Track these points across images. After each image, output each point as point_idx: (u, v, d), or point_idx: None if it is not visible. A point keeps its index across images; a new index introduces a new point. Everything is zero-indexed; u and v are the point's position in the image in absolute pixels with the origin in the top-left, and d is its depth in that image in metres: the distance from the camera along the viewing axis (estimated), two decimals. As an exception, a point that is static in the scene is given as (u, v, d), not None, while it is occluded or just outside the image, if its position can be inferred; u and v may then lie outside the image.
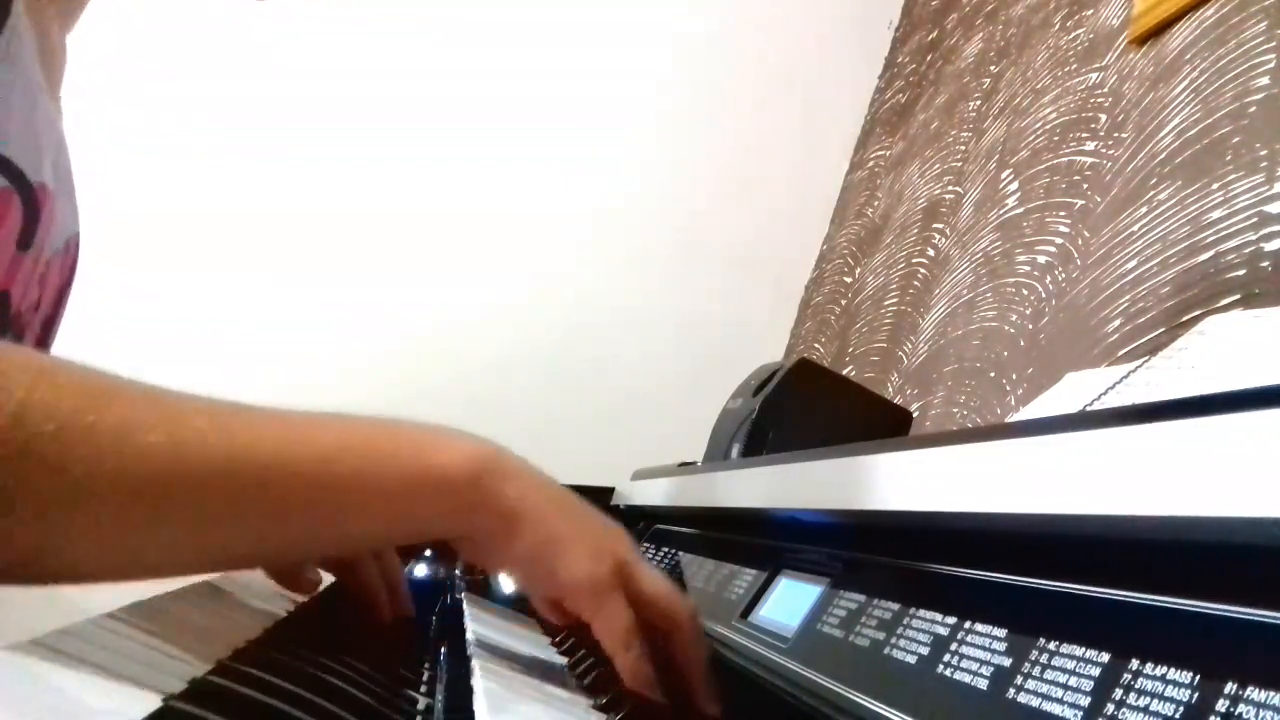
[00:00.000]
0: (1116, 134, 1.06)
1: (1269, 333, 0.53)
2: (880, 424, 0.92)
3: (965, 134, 1.51)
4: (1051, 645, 0.30)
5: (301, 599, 0.60)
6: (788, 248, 2.01)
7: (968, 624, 0.35)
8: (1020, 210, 1.22)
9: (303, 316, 1.81)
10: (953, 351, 1.23)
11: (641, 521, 0.94)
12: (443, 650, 0.56)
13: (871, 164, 1.93)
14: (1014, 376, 1.06)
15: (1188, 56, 0.96)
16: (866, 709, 0.37)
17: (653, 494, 0.90)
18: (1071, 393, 0.67)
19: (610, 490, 1.04)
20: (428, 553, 0.90)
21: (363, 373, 1.80)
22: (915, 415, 1.12)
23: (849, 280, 1.78)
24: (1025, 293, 1.12)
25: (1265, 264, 0.74)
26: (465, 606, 0.66)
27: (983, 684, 0.32)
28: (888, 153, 1.86)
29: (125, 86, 1.64)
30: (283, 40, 1.78)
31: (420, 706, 0.44)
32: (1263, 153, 0.79)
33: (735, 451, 0.89)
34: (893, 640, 0.39)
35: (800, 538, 0.55)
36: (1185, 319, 0.80)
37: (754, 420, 0.87)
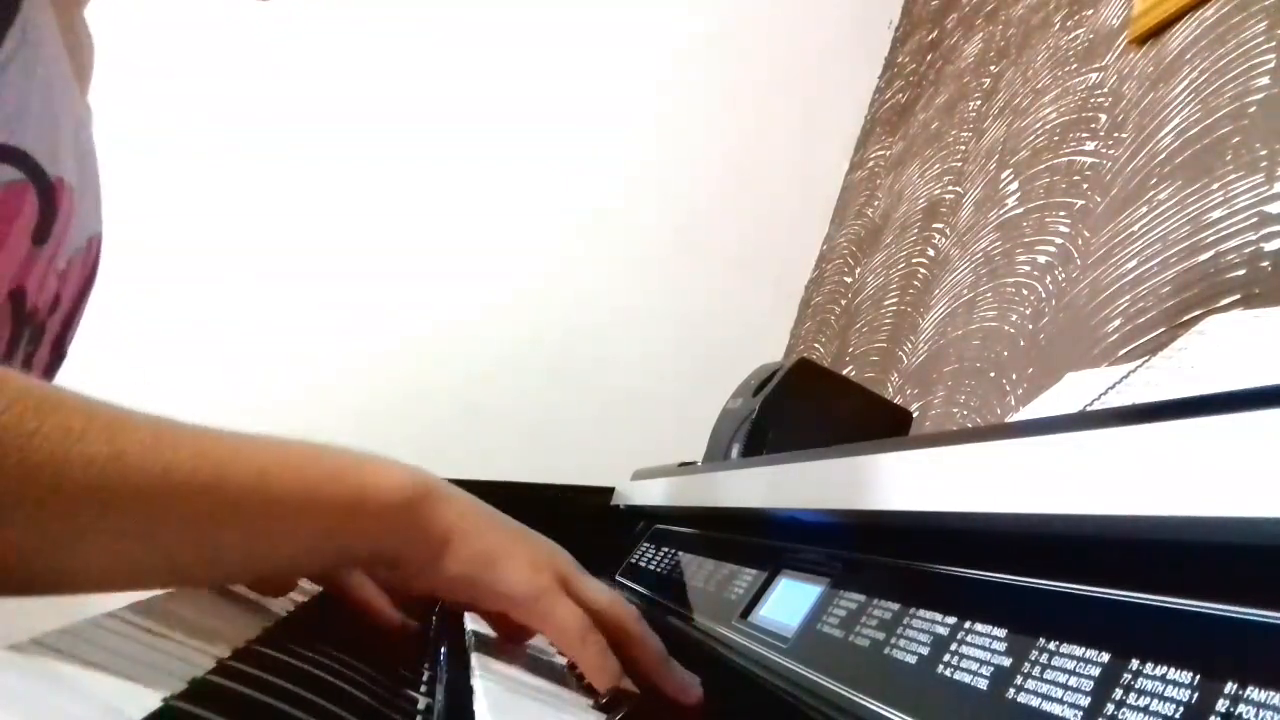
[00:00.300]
0: (1116, 134, 1.06)
1: (1269, 333, 0.53)
2: (880, 424, 0.92)
3: (965, 134, 1.51)
4: (1051, 645, 0.30)
5: (301, 599, 0.60)
6: (788, 248, 2.01)
7: (968, 624, 0.35)
8: (1020, 210, 1.22)
9: (302, 317, 1.81)
10: (953, 351, 1.23)
11: (641, 521, 0.94)
12: (443, 650, 0.56)
13: (871, 164, 1.93)
14: (1014, 376, 1.06)
15: (1188, 56, 0.96)
16: (866, 709, 0.37)
17: (653, 494, 0.90)
18: (1071, 393, 0.67)
19: (610, 490, 1.04)
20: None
21: (362, 373, 1.80)
22: (915, 415, 1.12)
23: (849, 280, 1.78)
24: (1025, 293, 1.12)
25: (1265, 264, 0.74)
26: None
27: (983, 684, 0.32)
28: (888, 153, 1.86)
29: (123, 85, 1.64)
30: (282, 40, 1.78)
31: (420, 706, 0.44)
32: (1263, 153, 0.79)
33: (735, 451, 0.89)
34: (893, 640, 0.39)
35: (800, 538, 0.55)
36: (1185, 319, 0.80)
37: (754, 420, 0.87)
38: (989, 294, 1.20)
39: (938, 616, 0.37)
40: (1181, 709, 0.24)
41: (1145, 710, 0.25)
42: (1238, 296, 0.75)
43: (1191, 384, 0.52)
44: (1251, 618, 0.24)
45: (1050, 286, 1.07)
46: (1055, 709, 0.28)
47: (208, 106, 1.78)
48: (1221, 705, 0.23)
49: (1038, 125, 1.26)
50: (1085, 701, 0.27)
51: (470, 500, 0.49)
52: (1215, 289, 0.78)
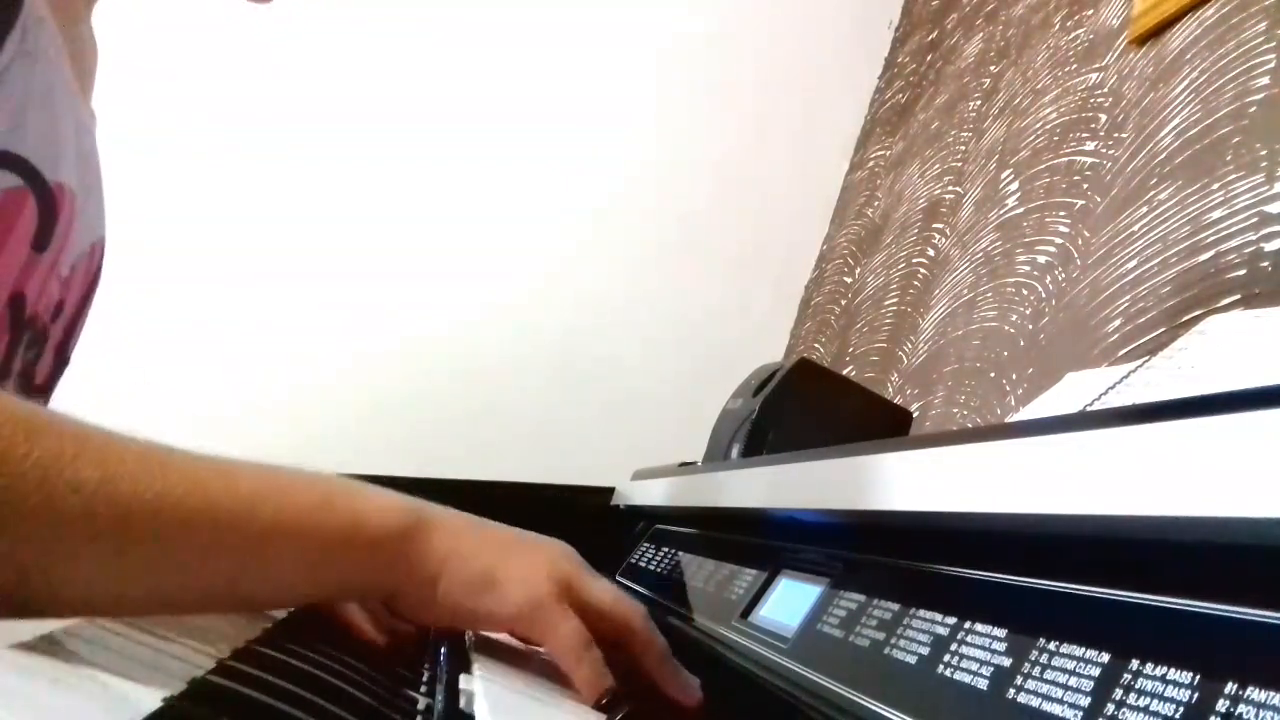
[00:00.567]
0: (1116, 134, 1.06)
1: (1269, 333, 0.53)
2: (880, 424, 0.92)
3: (965, 134, 1.51)
4: (1051, 645, 0.30)
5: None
6: (788, 248, 2.01)
7: (968, 624, 0.35)
8: (1020, 210, 1.22)
9: (302, 317, 1.80)
10: (953, 351, 1.23)
11: (641, 521, 0.94)
12: (443, 650, 0.56)
13: (871, 164, 1.93)
14: (1014, 376, 1.06)
15: (1188, 56, 0.96)
16: (866, 709, 0.37)
17: (653, 494, 0.89)
18: (1071, 393, 0.67)
19: (610, 490, 1.04)
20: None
21: (362, 373, 1.80)
22: (915, 415, 1.12)
23: (849, 280, 1.78)
24: (1025, 293, 1.12)
25: (1265, 264, 0.74)
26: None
27: (983, 684, 0.32)
28: (888, 153, 1.86)
29: (123, 88, 1.64)
30: (282, 41, 1.78)
31: (420, 706, 0.44)
32: (1263, 153, 0.79)
33: (735, 451, 0.89)
34: (893, 640, 0.39)
35: (800, 538, 0.55)
36: (1185, 319, 0.80)
37: (754, 420, 0.87)
38: (989, 294, 1.20)
39: (938, 616, 0.37)
40: (1181, 709, 0.24)
41: (1145, 710, 0.25)
42: (1238, 296, 0.75)
43: (1191, 384, 0.52)
44: (1251, 618, 0.24)
45: (1050, 286, 1.07)
46: (1055, 709, 0.28)
47: (208, 108, 1.78)
48: (1221, 705, 0.23)
49: (1038, 125, 1.26)
50: (1085, 701, 0.27)
51: (463, 521, 0.48)
52: (1215, 289, 0.78)
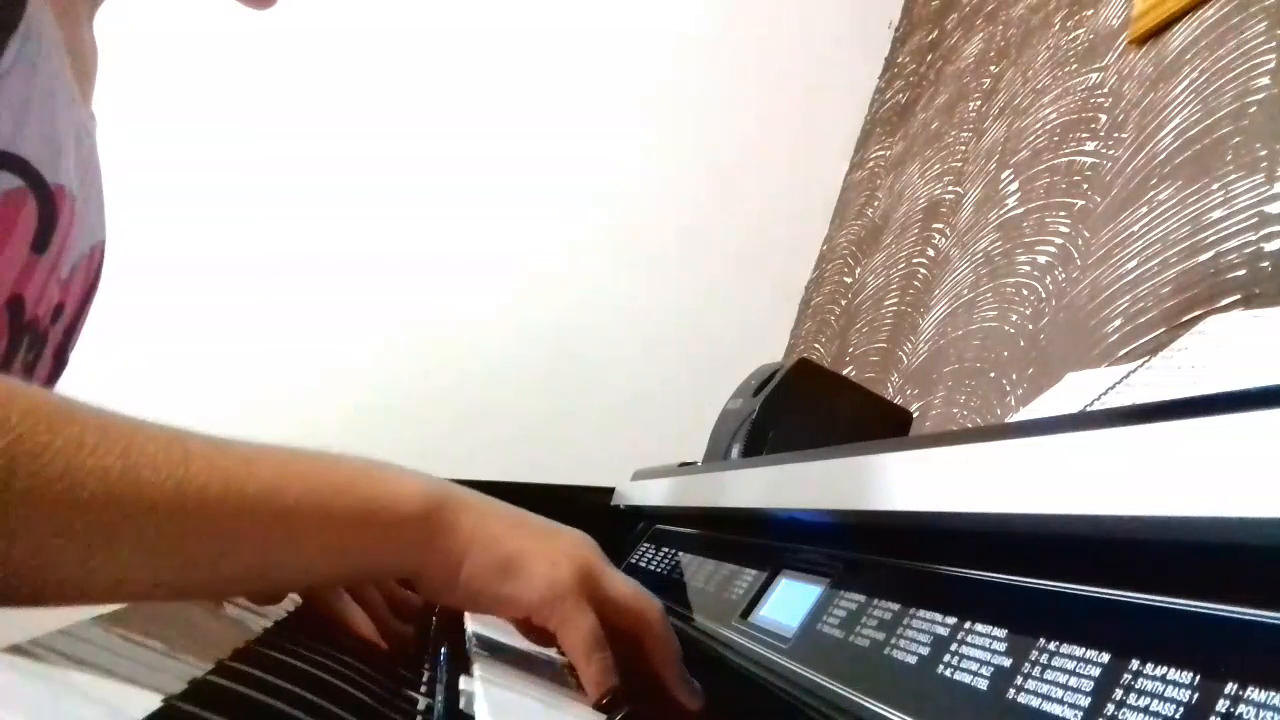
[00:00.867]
0: (1116, 134, 1.06)
1: (1269, 333, 0.53)
2: (880, 424, 0.92)
3: (965, 134, 1.51)
4: (1051, 645, 0.30)
5: (300, 600, 0.60)
6: (788, 248, 2.01)
7: (968, 624, 0.35)
8: (1020, 210, 1.22)
9: (303, 318, 1.81)
10: (953, 351, 1.23)
11: (641, 521, 0.94)
12: (443, 650, 0.56)
13: (871, 164, 1.93)
14: (1014, 376, 1.06)
15: (1188, 57, 0.96)
16: (866, 709, 0.37)
17: (653, 494, 0.89)
18: (1071, 393, 0.67)
19: (610, 490, 1.04)
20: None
21: (362, 373, 1.80)
22: (915, 415, 1.12)
23: (849, 280, 1.78)
24: (1025, 293, 1.12)
25: (1265, 264, 0.74)
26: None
27: (983, 684, 0.32)
28: (888, 153, 1.86)
29: (123, 90, 1.64)
30: (282, 41, 1.78)
31: (420, 706, 0.44)
32: (1263, 153, 0.79)
33: (735, 451, 0.89)
34: (893, 640, 0.39)
35: (800, 538, 0.55)
36: (1185, 319, 0.80)
37: (754, 420, 0.87)
38: (989, 294, 1.20)
39: (938, 616, 0.37)
40: (1181, 709, 0.24)
41: (1145, 710, 0.25)
42: (1238, 296, 0.75)
43: (1191, 384, 0.52)
44: (1251, 618, 0.24)
45: (1050, 286, 1.07)
46: (1055, 709, 0.28)
47: (208, 109, 1.78)
48: (1221, 705, 0.23)
49: (1038, 125, 1.26)
50: (1085, 702, 0.27)
51: (488, 505, 0.48)
52: (1215, 289, 0.78)
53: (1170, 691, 0.25)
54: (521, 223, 1.92)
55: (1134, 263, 0.92)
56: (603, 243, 1.95)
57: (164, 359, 1.71)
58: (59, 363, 0.63)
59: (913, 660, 0.36)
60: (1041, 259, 1.12)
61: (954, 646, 0.35)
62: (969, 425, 1.11)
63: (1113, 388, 0.59)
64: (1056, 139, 1.20)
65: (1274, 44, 0.83)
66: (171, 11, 1.71)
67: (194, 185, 1.77)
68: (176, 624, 0.43)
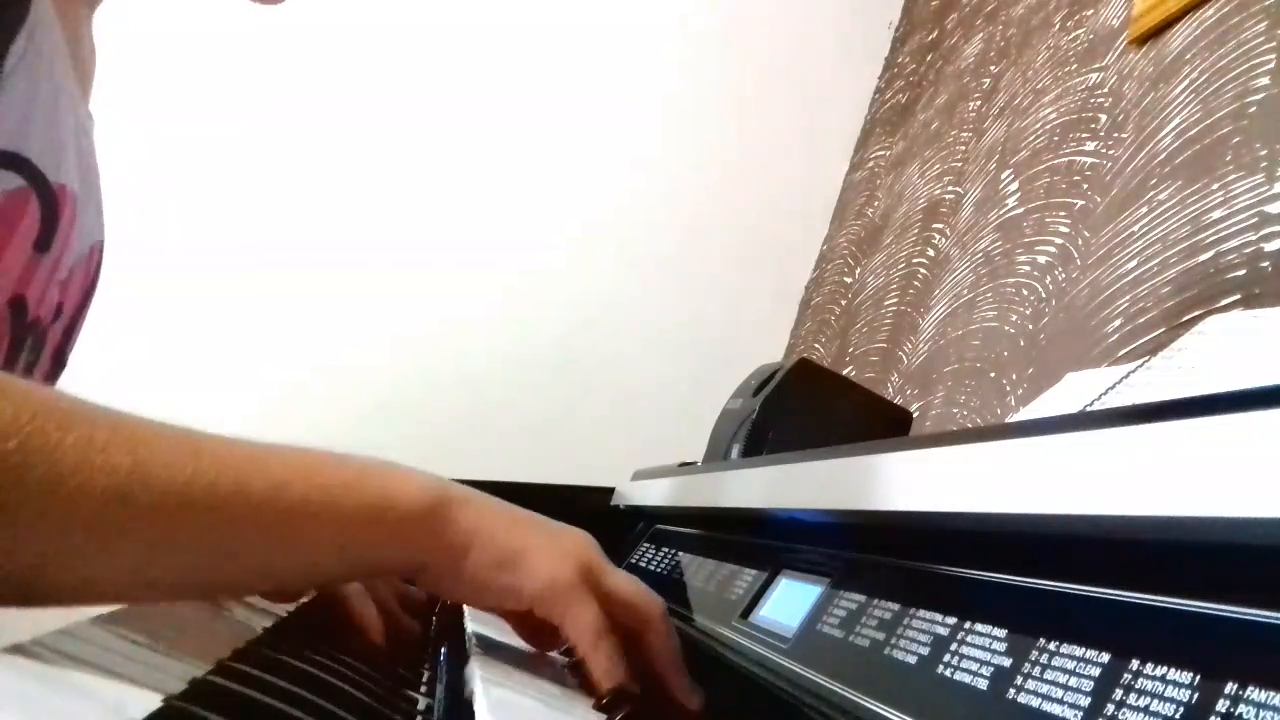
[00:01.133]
0: (1116, 134, 1.06)
1: (1269, 333, 0.53)
2: (880, 424, 0.92)
3: (965, 134, 1.51)
4: (1051, 645, 0.30)
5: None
6: (788, 248, 2.01)
7: (968, 624, 0.35)
8: (1020, 210, 1.22)
9: (303, 318, 1.81)
10: (953, 351, 1.23)
11: (641, 521, 0.94)
12: (443, 650, 0.56)
13: (871, 164, 1.93)
14: (1014, 376, 1.06)
15: (1188, 56, 0.96)
16: (866, 709, 0.37)
17: (653, 494, 0.89)
18: (1071, 393, 0.67)
19: (610, 490, 1.04)
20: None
21: (362, 373, 1.80)
22: (915, 415, 1.12)
23: (849, 280, 1.78)
24: (1025, 293, 1.12)
25: (1265, 264, 0.74)
26: (465, 606, 0.66)
27: (983, 684, 0.32)
28: (888, 153, 1.86)
29: (121, 90, 1.64)
30: (282, 40, 1.78)
31: (420, 706, 0.44)
32: (1263, 153, 0.79)
33: (735, 451, 0.89)
34: (893, 640, 0.39)
35: (800, 538, 0.55)
36: (1185, 319, 0.80)
37: (754, 420, 0.87)
38: (989, 294, 1.20)
39: (938, 616, 0.37)
40: (1181, 709, 0.24)
41: (1145, 710, 0.25)
42: (1238, 296, 0.75)
43: (1191, 384, 0.52)
44: (1251, 618, 0.24)
45: (1050, 286, 1.07)
46: (1055, 709, 0.28)
47: (207, 108, 1.78)
48: (1221, 705, 0.23)
49: (1038, 125, 1.26)
50: (1085, 702, 0.27)
51: (490, 502, 0.49)
52: (1215, 289, 0.78)
53: (1170, 691, 0.25)
54: (522, 223, 1.92)
55: (1134, 263, 0.92)
56: (603, 243, 1.95)
57: (164, 360, 1.71)
58: (58, 364, 0.63)
59: (913, 660, 0.36)
60: (1041, 259, 1.12)
61: (954, 646, 0.35)
62: (969, 425, 1.11)
63: (1113, 388, 0.59)
64: (1056, 139, 1.20)
65: (1274, 44, 0.83)
66: (171, 11, 1.71)
67: (193, 185, 1.77)
68: (176, 624, 0.43)
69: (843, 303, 1.76)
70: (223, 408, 1.69)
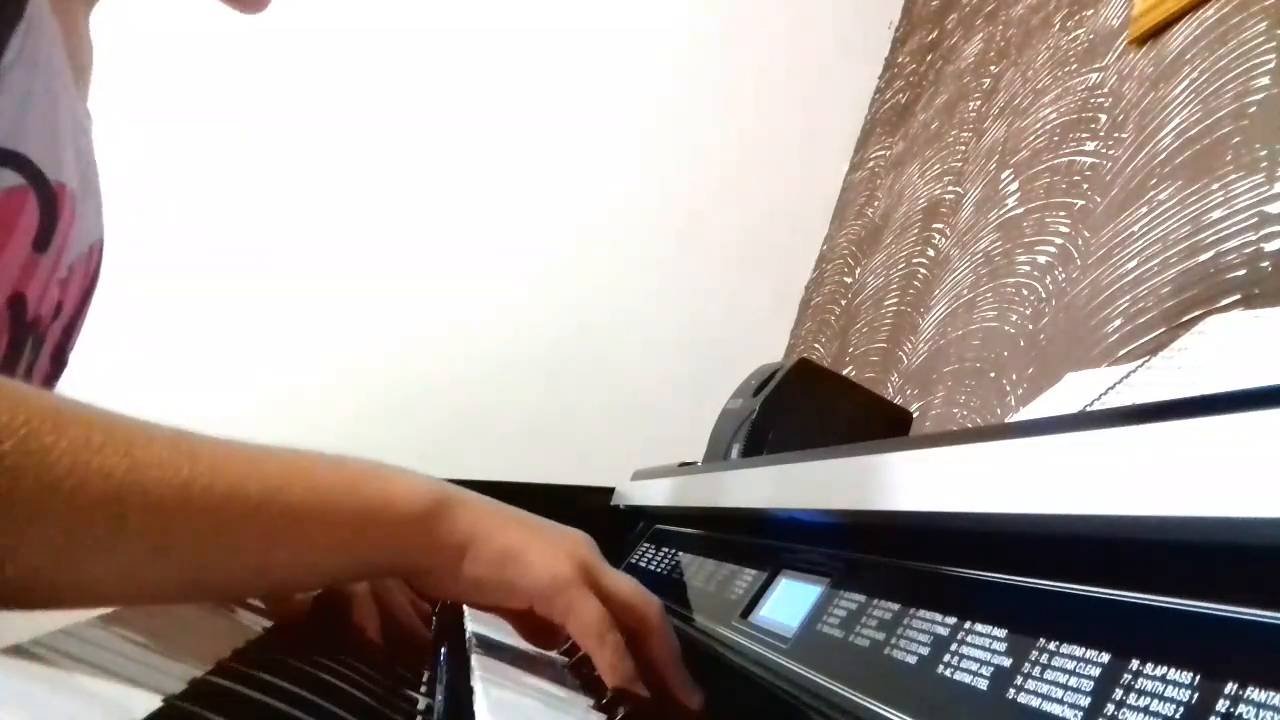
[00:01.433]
0: (1116, 134, 1.06)
1: (1269, 333, 0.54)
2: (880, 424, 0.92)
3: (965, 134, 1.51)
4: (1051, 645, 0.30)
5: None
6: (788, 248, 2.01)
7: (968, 624, 0.35)
8: (1020, 210, 1.22)
9: (302, 318, 1.80)
10: (953, 351, 1.23)
11: (641, 521, 0.94)
12: (443, 650, 0.56)
13: (871, 164, 1.93)
14: (1014, 376, 1.06)
15: (1188, 56, 0.96)
16: (866, 709, 0.37)
17: (653, 494, 0.89)
18: (1071, 393, 0.67)
19: (610, 490, 1.04)
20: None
21: (362, 373, 1.80)
22: (915, 415, 1.12)
23: (849, 280, 1.78)
24: (1025, 293, 1.12)
25: (1265, 264, 0.74)
26: (465, 606, 0.66)
27: (983, 684, 0.32)
28: (888, 153, 1.86)
29: (119, 88, 1.64)
30: (282, 39, 1.78)
31: (420, 706, 0.44)
32: (1263, 153, 0.79)
33: (735, 452, 0.89)
34: (893, 640, 0.39)
35: (800, 538, 0.55)
36: (1185, 319, 0.80)
37: (754, 420, 0.87)
38: (989, 294, 1.20)
39: (938, 616, 0.37)
40: (1181, 709, 0.24)
41: (1145, 710, 0.25)
42: (1238, 296, 0.75)
43: (1191, 384, 0.52)
44: (1251, 618, 0.24)
45: (1050, 286, 1.07)
46: (1055, 709, 0.28)
47: (205, 107, 1.78)
48: (1221, 705, 0.23)
49: (1038, 125, 1.26)
50: (1085, 702, 0.27)
51: (486, 502, 0.49)
52: (1215, 289, 0.78)
53: (1170, 691, 0.25)
54: (521, 223, 1.92)
55: (1134, 263, 0.92)
56: (603, 243, 1.95)
57: (163, 361, 1.71)
58: (58, 363, 0.63)
59: (913, 660, 0.36)
60: (1041, 259, 1.12)
61: (954, 646, 0.35)
62: (969, 425, 1.11)
63: (1113, 388, 0.59)
64: (1056, 139, 1.20)
65: (1274, 44, 0.83)
66: (170, 8, 1.71)
67: (192, 184, 1.77)
68: (177, 624, 0.43)
69: (843, 303, 1.76)
70: (222, 408, 1.69)
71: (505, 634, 0.57)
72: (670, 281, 1.96)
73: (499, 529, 0.47)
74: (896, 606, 0.40)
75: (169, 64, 1.75)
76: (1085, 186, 1.08)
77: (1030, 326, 1.07)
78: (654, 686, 0.48)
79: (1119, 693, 0.26)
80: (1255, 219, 0.77)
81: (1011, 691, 0.31)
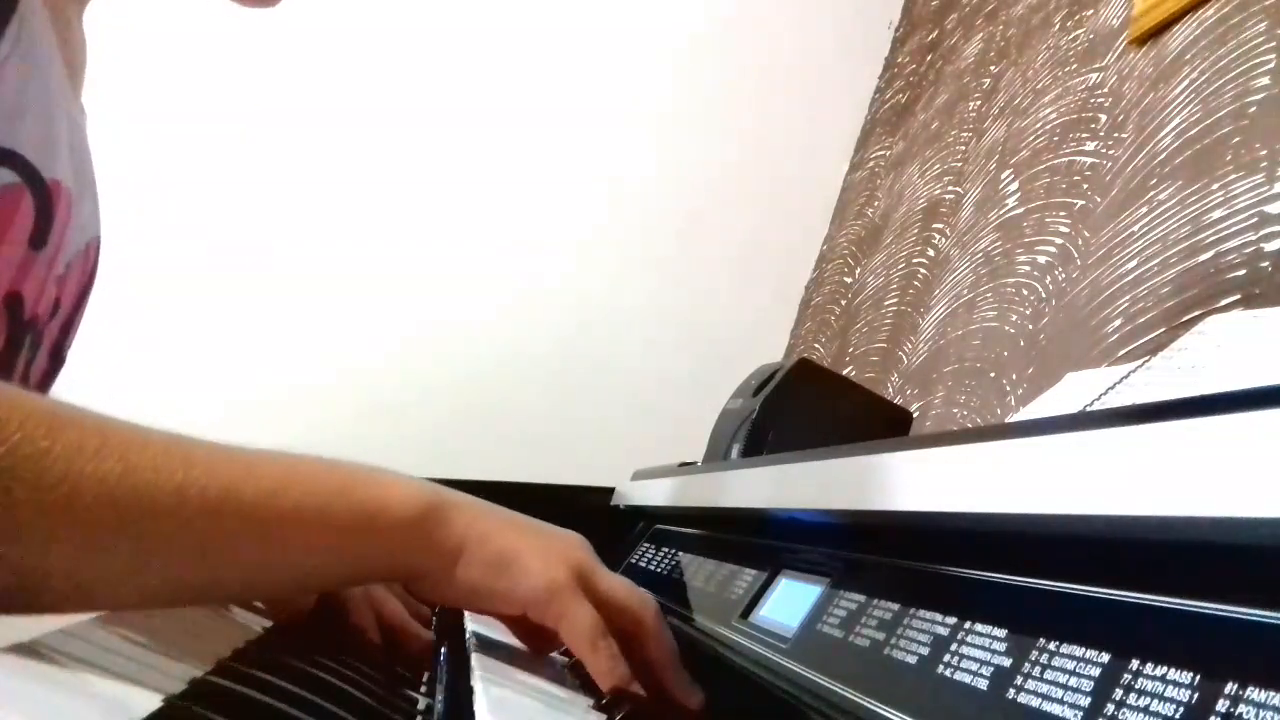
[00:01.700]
0: (1116, 134, 1.06)
1: (1269, 333, 0.54)
2: (880, 424, 0.92)
3: (965, 134, 1.51)
4: (1051, 645, 0.30)
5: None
6: (788, 248, 2.01)
7: (968, 624, 0.35)
8: (1020, 210, 1.22)
9: (302, 318, 1.80)
10: (953, 351, 1.23)
11: (641, 521, 0.94)
12: (443, 650, 0.56)
13: (871, 164, 1.93)
14: (1014, 376, 1.06)
15: (1188, 56, 0.96)
16: (866, 709, 0.37)
17: (653, 494, 0.89)
18: (1071, 393, 0.67)
19: (610, 490, 1.04)
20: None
21: (362, 374, 1.80)
22: (915, 415, 1.12)
23: (849, 280, 1.78)
24: (1025, 293, 1.12)
25: (1265, 264, 0.74)
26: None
27: (983, 684, 0.32)
28: (888, 153, 1.86)
29: (117, 86, 1.64)
30: (280, 39, 1.77)
31: (420, 706, 0.44)
32: (1263, 153, 0.79)
33: (735, 451, 0.89)
34: (893, 640, 0.39)
35: (800, 538, 0.55)
36: (1185, 319, 0.80)
37: (754, 420, 0.87)
38: (989, 294, 1.20)
39: (938, 616, 0.37)
40: (1181, 709, 0.24)
41: (1145, 710, 0.25)
42: (1238, 296, 0.75)
43: (1191, 384, 0.52)
44: (1251, 618, 0.24)
45: (1050, 286, 1.07)
46: (1055, 709, 0.28)
47: (204, 106, 1.78)
48: (1221, 705, 0.23)
49: (1038, 125, 1.26)
50: (1085, 702, 0.27)
51: (481, 506, 0.49)
52: (1215, 289, 0.78)
53: (1170, 691, 0.25)
54: (521, 223, 1.92)
55: (1134, 263, 0.92)
56: (603, 243, 1.95)
57: (161, 360, 1.71)
58: (55, 361, 0.62)
59: (913, 660, 0.36)
60: (1041, 259, 1.12)
61: (954, 646, 0.35)
62: (969, 425, 1.11)
63: (1113, 388, 0.59)
64: (1056, 139, 1.20)
65: (1274, 44, 0.83)
66: (170, 8, 1.71)
67: (191, 183, 1.77)
68: (177, 624, 0.43)
69: (843, 303, 1.76)
70: (221, 408, 1.69)
71: (505, 634, 0.57)
72: (670, 281, 1.96)
73: (494, 532, 0.47)
74: (896, 606, 0.40)
75: (170, 63, 1.75)
76: (1085, 186, 1.08)
77: (1030, 326, 1.07)
78: (652, 688, 0.48)
79: (1119, 693, 0.26)
80: (1255, 219, 0.77)
81: (1011, 691, 0.31)
